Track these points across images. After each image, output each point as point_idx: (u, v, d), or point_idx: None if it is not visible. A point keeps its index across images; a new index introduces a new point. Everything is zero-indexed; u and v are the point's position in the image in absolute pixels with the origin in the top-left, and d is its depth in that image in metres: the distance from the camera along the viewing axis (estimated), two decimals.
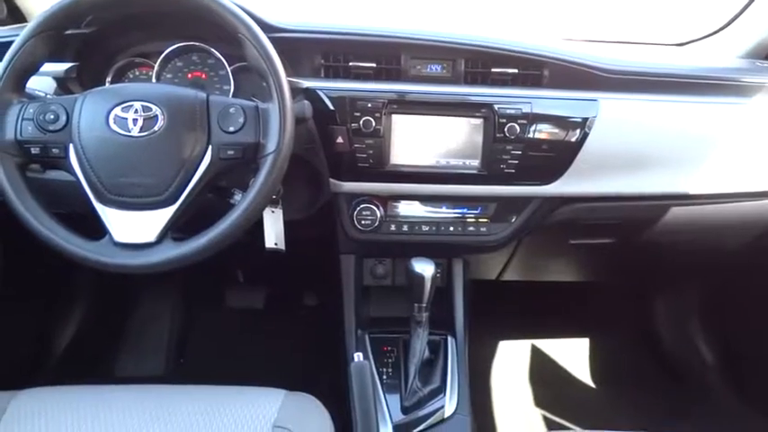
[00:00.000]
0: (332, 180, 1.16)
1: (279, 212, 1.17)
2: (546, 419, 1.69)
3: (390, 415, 1.14)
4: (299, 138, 1.02)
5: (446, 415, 1.15)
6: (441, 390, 1.18)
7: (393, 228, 1.19)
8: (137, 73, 1.22)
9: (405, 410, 1.15)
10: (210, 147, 0.93)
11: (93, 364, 1.76)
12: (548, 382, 1.81)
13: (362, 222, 1.18)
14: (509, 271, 1.48)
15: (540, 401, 1.75)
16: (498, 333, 1.88)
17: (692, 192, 1.19)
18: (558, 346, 1.89)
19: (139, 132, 0.92)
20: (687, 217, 1.26)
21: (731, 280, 1.61)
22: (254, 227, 1.15)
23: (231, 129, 0.94)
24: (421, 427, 1.13)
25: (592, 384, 1.82)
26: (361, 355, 0.95)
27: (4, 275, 1.48)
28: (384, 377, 1.20)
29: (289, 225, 1.18)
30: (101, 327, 1.81)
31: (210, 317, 1.98)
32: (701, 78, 1.20)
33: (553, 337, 1.90)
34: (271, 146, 0.93)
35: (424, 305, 1.14)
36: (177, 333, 1.90)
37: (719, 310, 1.69)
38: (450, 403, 1.16)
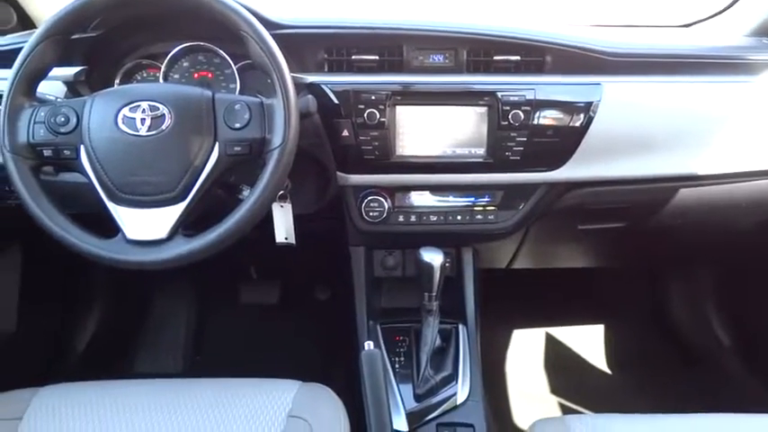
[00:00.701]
0: (339, 173, 1.17)
1: (288, 207, 1.19)
2: (561, 406, 1.70)
3: (404, 403, 1.15)
4: (305, 132, 1.03)
5: (459, 402, 1.16)
6: (453, 377, 1.19)
7: (401, 218, 1.20)
8: (144, 75, 1.24)
9: (417, 398, 1.16)
10: (217, 143, 0.95)
11: (111, 363, 1.79)
12: (562, 369, 1.81)
13: (371, 214, 1.19)
14: (519, 259, 1.48)
15: (554, 388, 1.75)
16: (510, 321, 1.89)
17: (700, 172, 1.19)
18: (572, 333, 1.89)
19: (148, 131, 0.94)
20: (697, 198, 1.25)
21: (745, 261, 1.60)
22: (265, 222, 1.16)
23: (237, 125, 0.95)
24: (434, 414, 1.14)
25: (607, 370, 1.81)
26: (371, 343, 0.97)
27: (24, 277, 1.52)
28: (396, 366, 1.21)
29: (298, 219, 1.20)
30: (118, 326, 1.84)
31: (226, 313, 2.00)
32: (706, 58, 1.20)
33: (566, 323, 1.90)
34: (276, 140, 0.94)
35: (434, 294, 1.15)
36: (193, 330, 1.93)
37: (734, 292, 1.68)
38: (462, 390, 1.17)
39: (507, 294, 1.64)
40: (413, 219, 1.20)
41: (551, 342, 1.87)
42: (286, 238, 1.20)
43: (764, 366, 1.57)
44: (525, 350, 1.85)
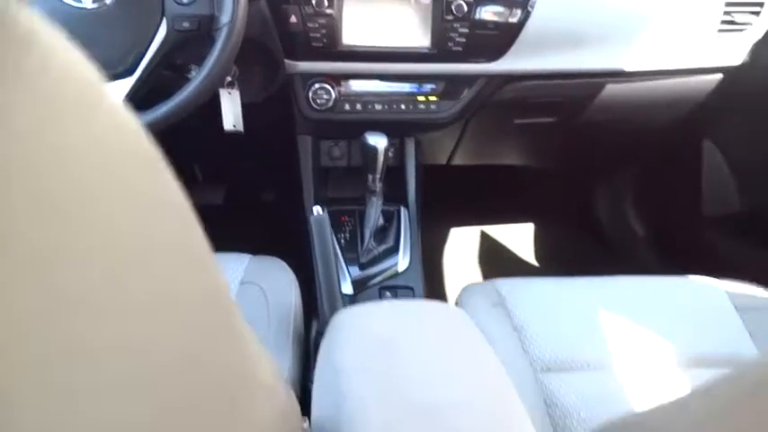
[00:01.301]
0: (287, 61, 1.19)
1: (236, 94, 1.20)
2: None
3: (349, 272, 1.24)
4: (253, 20, 1.04)
5: (400, 270, 1.26)
6: (394, 249, 1.28)
7: (347, 107, 1.24)
8: None
9: (362, 267, 1.25)
10: (165, 19, 0.96)
11: None
12: (494, 259, 1.94)
13: (318, 102, 1.22)
14: (458, 154, 1.56)
15: (486, 274, 1.88)
16: (448, 218, 1.99)
17: (626, 69, 1.27)
18: (504, 229, 2.02)
19: (92, 4, 0.93)
20: (622, 94, 1.34)
21: (661, 157, 1.74)
22: (212, 111, 1.18)
23: (185, 1, 0.96)
24: (377, 280, 1.24)
25: (535, 263, 1.96)
26: (319, 208, 1.03)
27: None
28: (342, 242, 1.29)
29: (247, 108, 1.22)
30: None
31: None
32: None
33: (500, 221, 2.02)
34: (225, 18, 0.96)
35: (378, 176, 1.22)
36: None
37: (650, 188, 1.83)
38: (403, 260, 1.27)
39: (445, 191, 1.73)
40: (358, 107, 1.24)
41: (484, 236, 2.00)
42: (234, 126, 1.23)
43: (675, 254, 1.75)
44: (460, 243, 1.97)
